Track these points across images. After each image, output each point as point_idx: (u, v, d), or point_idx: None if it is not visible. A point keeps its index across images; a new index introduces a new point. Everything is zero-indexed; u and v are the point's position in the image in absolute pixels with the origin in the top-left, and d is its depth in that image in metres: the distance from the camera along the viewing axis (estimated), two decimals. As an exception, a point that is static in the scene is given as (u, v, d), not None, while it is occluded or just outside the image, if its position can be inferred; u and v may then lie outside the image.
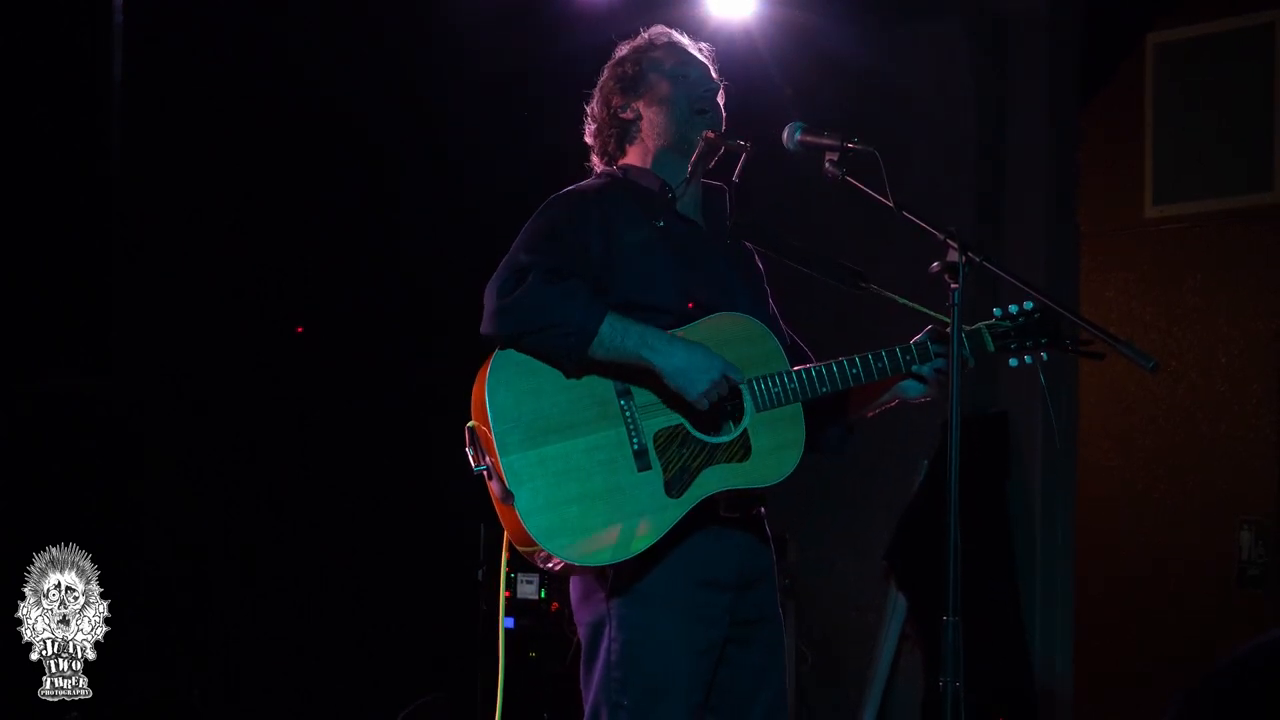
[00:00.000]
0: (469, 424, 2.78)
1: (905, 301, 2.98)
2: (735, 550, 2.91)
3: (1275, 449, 5.24)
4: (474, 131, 5.49)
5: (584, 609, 2.92)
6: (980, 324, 2.97)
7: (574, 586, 2.96)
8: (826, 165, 2.81)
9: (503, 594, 3.26)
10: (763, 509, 3.00)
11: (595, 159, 3.15)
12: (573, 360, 2.75)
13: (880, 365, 2.90)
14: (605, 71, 3.14)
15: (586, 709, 2.90)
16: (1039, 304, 2.92)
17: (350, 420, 5.32)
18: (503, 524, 2.79)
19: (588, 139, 3.16)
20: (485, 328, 2.77)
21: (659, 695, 2.81)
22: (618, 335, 2.73)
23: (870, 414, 3.13)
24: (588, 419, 2.77)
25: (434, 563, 5.42)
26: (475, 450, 2.76)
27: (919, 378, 2.96)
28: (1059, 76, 5.17)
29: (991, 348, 2.95)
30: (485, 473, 2.75)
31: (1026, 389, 4.92)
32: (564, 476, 2.73)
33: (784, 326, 3.14)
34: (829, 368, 2.89)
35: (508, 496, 2.69)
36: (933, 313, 2.94)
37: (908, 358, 2.93)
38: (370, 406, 5.37)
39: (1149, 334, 5.51)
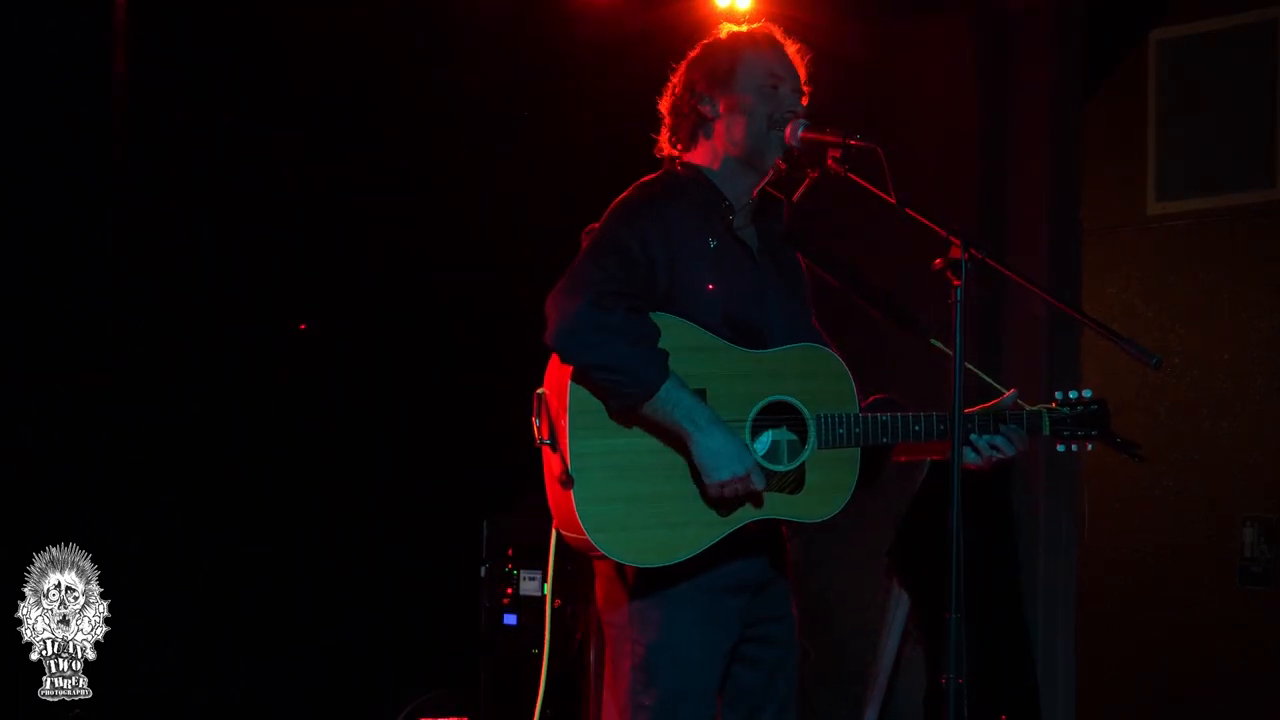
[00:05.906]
0: (538, 390, 2.82)
1: (972, 368, 2.97)
2: (756, 554, 2.95)
3: (1278, 446, 5.22)
4: (474, 132, 5.48)
5: (609, 610, 2.97)
6: (1042, 406, 3.03)
7: (599, 588, 3.00)
8: (829, 162, 2.82)
9: (537, 596, 3.27)
10: None
11: (663, 140, 3.10)
12: (621, 407, 2.75)
13: (942, 428, 2.93)
14: (698, 50, 3.08)
15: (610, 708, 2.95)
16: (1096, 395, 3.01)
17: (351, 417, 5.31)
18: (549, 501, 2.84)
19: (661, 109, 3.10)
20: (551, 341, 2.77)
21: (681, 697, 2.87)
22: (671, 402, 2.74)
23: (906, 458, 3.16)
24: None
25: (437, 559, 5.41)
26: (542, 420, 2.79)
27: (973, 448, 2.97)
28: (1061, 73, 5.16)
29: (1047, 431, 3.02)
30: (548, 447, 2.79)
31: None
32: (624, 472, 2.78)
33: (827, 340, 3.13)
34: (894, 420, 2.92)
35: (568, 481, 2.74)
36: (1000, 386, 3.03)
37: (968, 426, 2.96)
38: (372, 403, 5.36)
39: (1151, 331, 5.49)
